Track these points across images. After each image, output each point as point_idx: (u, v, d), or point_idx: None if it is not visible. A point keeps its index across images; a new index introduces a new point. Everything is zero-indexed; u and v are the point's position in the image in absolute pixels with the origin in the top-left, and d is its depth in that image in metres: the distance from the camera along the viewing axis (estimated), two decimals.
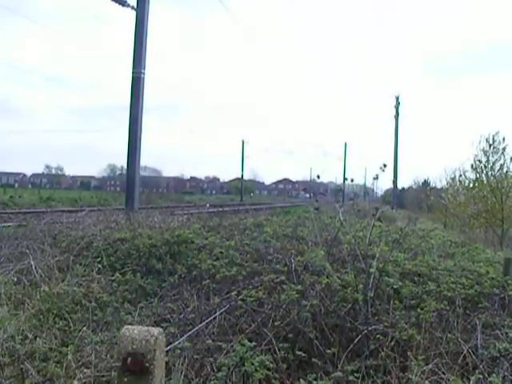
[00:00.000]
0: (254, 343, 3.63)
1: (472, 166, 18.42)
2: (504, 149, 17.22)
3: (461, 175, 20.96)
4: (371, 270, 4.65)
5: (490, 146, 17.44)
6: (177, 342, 3.55)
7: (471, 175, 18.96)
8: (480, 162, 17.87)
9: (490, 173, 17.60)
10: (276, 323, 4.02)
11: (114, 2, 13.35)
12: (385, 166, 5.39)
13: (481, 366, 3.57)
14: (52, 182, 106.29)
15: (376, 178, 5.89)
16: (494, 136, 17.41)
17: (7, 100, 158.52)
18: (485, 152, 17.63)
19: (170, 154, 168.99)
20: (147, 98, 13.94)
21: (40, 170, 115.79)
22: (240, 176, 69.41)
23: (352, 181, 13.97)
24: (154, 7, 13.54)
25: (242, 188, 68.08)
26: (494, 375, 3.37)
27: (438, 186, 29.28)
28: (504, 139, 17.22)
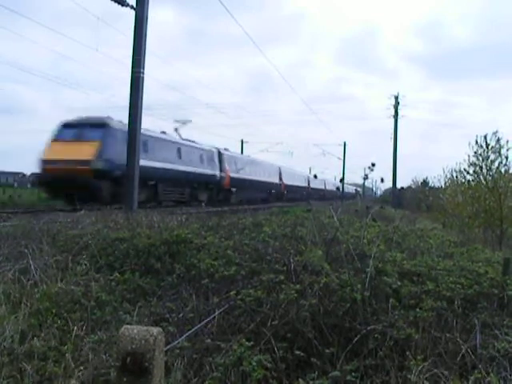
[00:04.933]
0: (252, 343, 3.63)
1: (465, 169, 18.48)
2: (500, 148, 17.21)
3: (457, 176, 20.97)
4: (367, 270, 4.66)
5: (488, 145, 17.42)
6: (176, 342, 3.55)
7: (468, 176, 18.95)
8: (474, 164, 17.87)
9: (486, 172, 17.58)
10: (275, 323, 4.01)
11: (113, 2, 13.37)
12: (373, 165, 5.41)
13: (480, 366, 3.57)
14: None
15: (366, 177, 5.90)
16: (490, 136, 17.40)
17: (10, 99, 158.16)
18: (480, 153, 17.61)
19: None
20: (146, 96, 14.01)
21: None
22: None
23: (343, 181, 14.09)
24: (158, 9, 13.59)
25: None
26: (493, 375, 3.38)
27: (437, 186, 29.28)
28: (499, 139, 17.19)
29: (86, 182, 18.77)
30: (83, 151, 19.41)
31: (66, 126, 21.19)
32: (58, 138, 20.72)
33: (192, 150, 29.55)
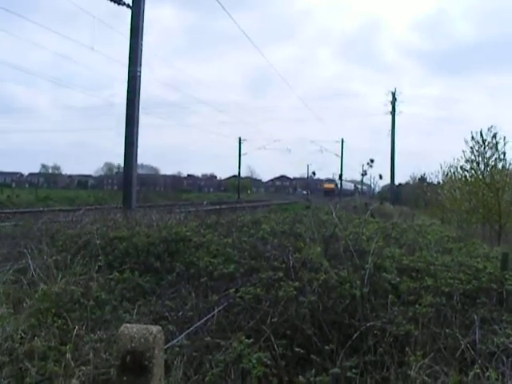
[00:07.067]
0: (252, 340, 3.63)
1: (461, 166, 18.53)
2: (497, 143, 17.23)
3: (454, 172, 21.01)
4: (366, 266, 4.67)
5: (484, 141, 17.45)
6: (175, 340, 3.56)
7: (465, 172, 18.99)
8: (471, 160, 17.90)
9: (483, 168, 17.62)
10: (274, 320, 4.02)
11: (110, 1, 13.34)
12: (372, 161, 5.54)
13: (479, 361, 3.59)
14: (49, 181, 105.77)
15: (364, 173, 6.06)
16: (486, 132, 17.42)
17: (9, 99, 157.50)
18: (477, 148, 17.64)
19: (167, 152, 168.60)
20: (143, 95, 13.99)
21: (37, 169, 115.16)
22: (237, 173, 69.62)
23: (341, 178, 14.12)
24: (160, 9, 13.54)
25: (239, 185, 68.21)
26: (492, 370, 3.39)
27: (435, 182, 29.34)
28: (495, 135, 17.20)
29: (333, 192, 72.14)
30: (332, 186, 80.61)
31: (326, 180, 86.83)
32: (324, 182, 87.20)
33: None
